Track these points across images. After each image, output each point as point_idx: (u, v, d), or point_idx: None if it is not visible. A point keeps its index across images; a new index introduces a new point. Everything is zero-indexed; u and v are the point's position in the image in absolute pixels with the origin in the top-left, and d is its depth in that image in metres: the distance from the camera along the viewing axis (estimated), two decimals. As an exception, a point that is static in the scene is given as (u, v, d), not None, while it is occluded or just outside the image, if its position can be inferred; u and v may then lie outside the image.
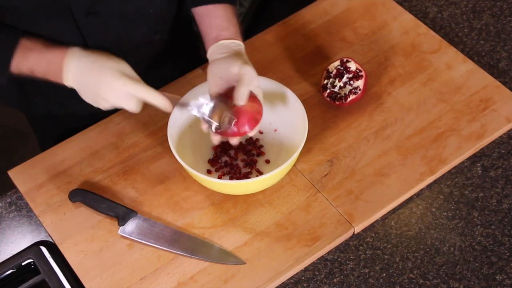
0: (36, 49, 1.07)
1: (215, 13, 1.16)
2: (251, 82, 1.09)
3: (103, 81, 1.04)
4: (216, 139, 1.14)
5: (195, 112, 1.10)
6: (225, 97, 1.12)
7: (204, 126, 1.12)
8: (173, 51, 1.36)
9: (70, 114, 1.31)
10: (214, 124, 1.10)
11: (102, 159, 1.26)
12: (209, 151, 1.25)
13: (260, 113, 1.13)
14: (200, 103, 1.10)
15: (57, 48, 1.07)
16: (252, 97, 1.11)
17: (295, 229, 1.17)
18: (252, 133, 1.12)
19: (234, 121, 1.09)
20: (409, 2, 1.48)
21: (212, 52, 1.15)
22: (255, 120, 1.12)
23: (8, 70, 1.08)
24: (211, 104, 1.10)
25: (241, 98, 1.08)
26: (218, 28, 1.15)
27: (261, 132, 1.27)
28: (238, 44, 1.14)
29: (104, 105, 1.07)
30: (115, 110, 1.30)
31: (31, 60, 1.07)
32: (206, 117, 1.10)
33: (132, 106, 1.07)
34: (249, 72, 1.08)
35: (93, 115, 1.29)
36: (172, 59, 1.37)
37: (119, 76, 1.04)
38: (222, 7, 1.17)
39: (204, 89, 1.21)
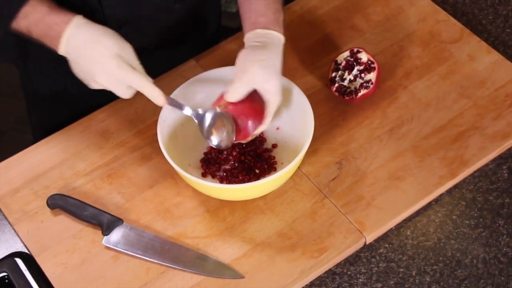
0: (39, 9, 1.09)
1: None
2: (255, 82, 1.11)
3: (96, 59, 1.06)
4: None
5: (188, 113, 1.13)
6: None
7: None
8: (193, 29, 1.38)
9: (75, 94, 1.34)
10: (214, 140, 1.14)
11: (84, 161, 1.26)
12: (203, 152, 1.25)
13: (263, 111, 1.13)
14: (199, 111, 1.13)
15: (61, 13, 1.09)
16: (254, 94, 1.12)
17: (300, 239, 1.17)
18: (252, 137, 1.14)
19: (233, 139, 1.13)
20: (427, -15, 1.48)
21: (247, 39, 1.17)
22: (258, 121, 1.13)
23: (9, 25, 1.11)
24: (211, 114, 1.13)
25: (230, 95, 1.11)
26: (256, 13, 1.17)
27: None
28: (273, 35, 1.16)
29: (93, 85, 1.09)
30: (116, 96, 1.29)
31: (31, 20, 1.10)
32: (204, 130, 1.13)
33: (122, 93, 1.09)
34: (256, 70, 1.10)
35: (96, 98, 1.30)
36: (190, 40, 1.40)
37: (114, 57, 1.06)
38: None
39: (199, 83, 1.21)
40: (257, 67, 1.11)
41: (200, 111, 1.13)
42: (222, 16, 1.52)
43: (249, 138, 1.16)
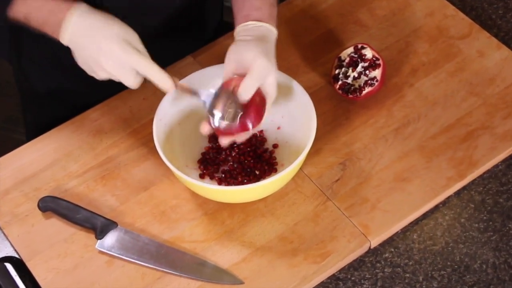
0: None
1: None
2: (263, 77, 1.10)
3: (102, 45, 1.06)
4: (205, 128, 1.13)
5: (201, 98, 1.10)
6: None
7: (205, 128, 1.13)
8: (195, 23, 1.39)
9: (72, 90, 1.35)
10: (217, 115, 1.10)
11: (76, 162, 1.26)
12: (201, 152, 1.25)
13: (264, 106, 1.13)
14: (207, 91, 1.10)
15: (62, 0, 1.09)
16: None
17: (302, 243, 1.17)
18: (254, 131, 1.13)
19: (240, 115, 1.10)
20: (435, -22, 1.48)
21: (238, 32, 1.17)
22: (259, 115, 1.12)
23: (5, 11, 1.10)
24: (215, 92, 1.11)
25: (243, 93, 1.08)
26: (250, 6, 1.17)
27: (261, 131, 1.27)
28: (267, 28, 1.16)
29: (100, 74, 1.09)
30: (117, 89, 1.29)
31: (31, 6, 1.10)
32: (207, 106, 1.10)
33: (130, 80, 1.08)
34: (262, 63, 1.09)
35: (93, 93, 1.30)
36: (191, 35, 1.40)
37: (121, 42, 1.06)
38: None
39: (196, 80, 1.20)
40: (264, 60, 1.10)
41: (212, 91, 1.11)
42: (224, 11, 1.52)
43: (251, 132, 1.14)
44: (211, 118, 1.11)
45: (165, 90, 1.09)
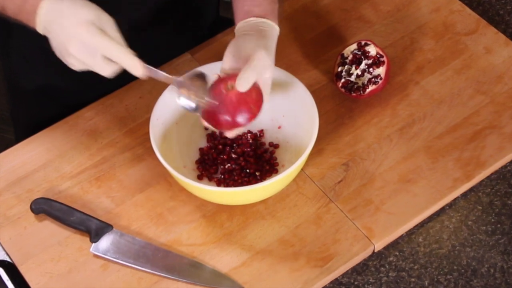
0: None
1: None
2: (261, 70, 1.10)
3: (70, 30, 1.04)
4: (204, 122, 1.13)
5: (173, 83, 1.08)
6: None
7: (203, 122, 1.12)
8: (189, 18, 1.38)
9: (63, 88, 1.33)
10: (190, 102, 1.09)
11: (70, 162, 1.26)
12: (199, 152, 1.25)
13: (258, 104, 1.12)
14: (181, 79, 1.08)
15: None
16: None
17: (303, 246, 1.17)
18: (242, 128, 1.12)
19: (208, 101, 1.08)
20: (441, -27, 1.48)
21: (238, 28, 1.17)
22: (249, 111, 1.11)
23: None
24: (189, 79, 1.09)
25: (241, 83, 1.08)
26: (251, 2, 1.17)
27: (261, 130, 1.27)
28: (269, 24, 1.16)
29: (72, 62, 1.07)
30: (112, 89, 1.29)
31: None
32: (177, 92, 1.08)
33: (103, 68, 1.05)
34: (262, 57, 1.09)
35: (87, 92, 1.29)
36: (185, 31, 1.40)
37: (86, 24, 1.04)
38: None
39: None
40: (263, 52, 1.10)
41: (180, 78, 1.10)
42: (220, 6, 1.52)
43: (248, 123, 1.13)
44: (180, 99, 1.09)
45: (135, 74, 1.05)
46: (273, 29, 1.16)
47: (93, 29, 1.04)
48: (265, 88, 1.12)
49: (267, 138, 1.26)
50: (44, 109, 1.41)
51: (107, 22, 1.06)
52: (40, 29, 1.08)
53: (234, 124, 1.10)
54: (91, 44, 1.04)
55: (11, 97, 1.51)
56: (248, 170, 1.22)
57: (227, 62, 1.14)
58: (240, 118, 1.10)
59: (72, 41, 1.04)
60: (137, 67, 1.04)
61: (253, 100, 1.11)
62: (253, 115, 1.11)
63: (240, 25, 1.17)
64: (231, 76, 1.10)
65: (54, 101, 1.40)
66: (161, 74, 1.08)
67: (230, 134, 1.13)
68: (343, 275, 1.16)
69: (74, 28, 1.04)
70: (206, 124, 1.13)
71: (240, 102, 1.09)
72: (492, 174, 1.25)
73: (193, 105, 1.10)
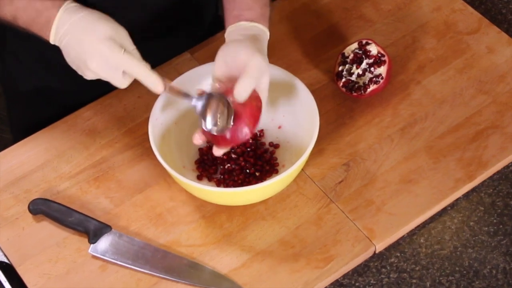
0: None
1: None
2: (260, 76, 1.09)
3: (87, 42, 1.05)
4: (198, 139, 1.13)
5: (192, 101, 1.09)
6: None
7: (198, 139, 1.12)
8: (188, 18, 1.39)
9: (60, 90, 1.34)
10: (209, 118, 1.09)
11: (69, 163, 1.26)
12: (199, 153, 1.25)
13: (260, 109, 1.12)
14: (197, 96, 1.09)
15: None
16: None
17: (304, 247, 1.17)
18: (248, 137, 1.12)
19: (232, 117, 1.08)
20: (442, -29, 1.48)
21: (229, 33, 1.17)
22: (255, 119, 1.11)
23: None
24: (205, 95, 1.09)
25: (240, 93, 1.07)
26: (241, 6, 1.17)
27: (261, 130, 1.27)
28: (260, 29, 1.15)
29: (87, 74, 1.08)
30: (109, 88, 1.29)
31: (18, 5, 1.09)
32: (199, 109, 1.09)
33: (118, 80, 1.07)
34: (258, 62, 1.09)
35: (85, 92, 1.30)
36: (184, 30, 1.40)
37: (106, 40, 1.05)
38: None
39: (194, 78, 1.20)
40: (260, 58, 1.09)
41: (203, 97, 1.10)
42: (219, 5, 1.52)
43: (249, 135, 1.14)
44: (203, 122, 1.10)
45: (155, 92, 1.07)
46: (264, 33, 1.16)
47: (114, 46, 1.05)
48: (263, 94, 1.12)
49: (267, 138, 1.26)
50: (41, 111, 1.40)
51: (124, 35, 1.07)
52: (55, 41, 1.09)
53: (237, 141, 1.11)
54: (110, 60, 1.05)
55: (8, 100, 1.51)
56: (248, 170, 1.22)
57: (219, 69, 1.12)
58: (245, 134, 1.11)
59: (94, 57, 1.05)
60: (156, 84, 1.06)
61: (254, 110, 1.10)
62: (253, 125, 1.11)
63: (230, 29, 1.16)
64: (228, 90, 1.10)
65: (51, 103, 1.40)
66: (179, 92, 1.09)
67: (218, 152, 1.13)
68: (344, 276, 1.16)
69: (95, 44, 1.05)
70: (200, 141, 1.13)
71: (245, 117, 1.09)
72: (494, 174, 1.25)
73: (213, 126, 1.10)
